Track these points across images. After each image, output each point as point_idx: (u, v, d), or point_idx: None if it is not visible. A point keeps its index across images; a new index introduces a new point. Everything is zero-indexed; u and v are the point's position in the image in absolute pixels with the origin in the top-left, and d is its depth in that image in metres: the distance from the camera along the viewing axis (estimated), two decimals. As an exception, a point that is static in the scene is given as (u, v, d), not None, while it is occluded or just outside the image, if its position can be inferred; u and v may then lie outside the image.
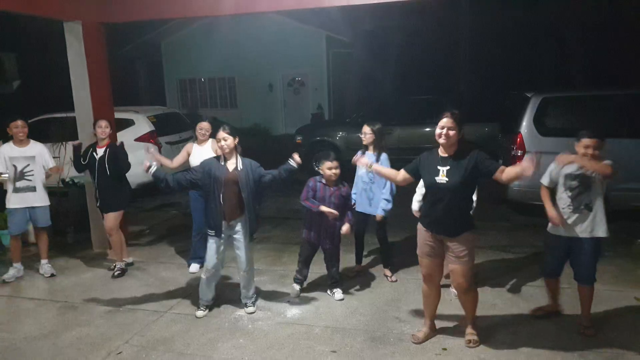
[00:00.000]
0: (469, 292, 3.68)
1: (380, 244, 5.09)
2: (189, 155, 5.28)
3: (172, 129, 9.21)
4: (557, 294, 4.15)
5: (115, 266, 5.40)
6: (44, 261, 5.46)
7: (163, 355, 3.77)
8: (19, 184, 5.20)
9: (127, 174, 5.42)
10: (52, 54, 10.07)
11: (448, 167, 3.44)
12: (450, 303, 4.42)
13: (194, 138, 5.42)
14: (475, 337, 3.75)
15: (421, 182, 4.14)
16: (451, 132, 3.41)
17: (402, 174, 3.80)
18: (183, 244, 6.26)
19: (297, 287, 4.70)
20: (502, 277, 4.92)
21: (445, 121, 3.42)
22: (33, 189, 5.24)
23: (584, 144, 3.66)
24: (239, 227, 4.23)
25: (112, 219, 5.31)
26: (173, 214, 7.99)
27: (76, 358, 3.78)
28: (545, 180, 3.97)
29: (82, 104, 5.92)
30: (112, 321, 4.36)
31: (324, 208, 4.38)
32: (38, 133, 8.83)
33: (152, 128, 8.58)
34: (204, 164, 4.20)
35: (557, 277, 4.06)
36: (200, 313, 4.38)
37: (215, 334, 4.08)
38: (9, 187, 5.20)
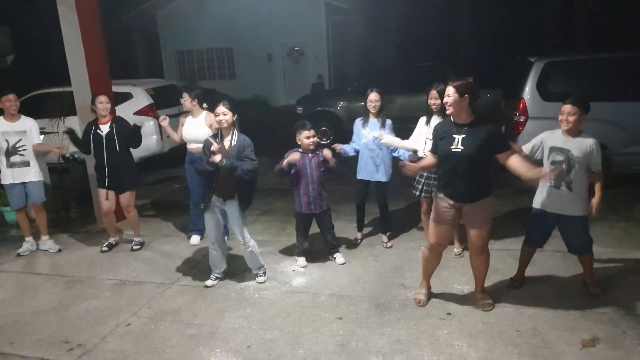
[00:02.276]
0: (483, 254, 3.73)
1: (380, 209, 5.11)
2: (182, 127, 5.25)
3: (170, 102, 9.11)
4: (527, 263, 4.11)
5: (137, 242, 5.43)
6: (44, 237, 5.48)
7: (171, 326, 3.83)
8: (13, 159, 5.16)
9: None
10: (46, 26, 9.88)
11: (464, 135, 3.46)
12: (454, 269, 4.46)
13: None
14: (489, 300, 3.80)
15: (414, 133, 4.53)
16: (450, 99, 3.43)
17: (430, 159, 3.78)
18: (186, 217, 6.26)
19: (301, 260, 4.76)
20: (504, 243, 4.95)
21: (447, 89, 3.46)
22: (27, 163, 5.20)
23: (562, 109, 3.65)
24: (231, 202, 4.21)
25: (128, 197, 5.25)
26: (175, 188, 8.00)
27: (85, 330, 3.84)
28: (527, 147, 3.89)
29: (79, 78, 5.84)
30: (119, 294, 4.42)
31: (289, 158, 4.37)
32: (34, 108, 8.82)
33: (151, 101, 8.51)
34: (206, 140, 4.21)
35: (538, 248, 4.05)
36: (209, 282, 4.44)
37: (222, 304, 4.13)
38: (3, 163, 5.17)
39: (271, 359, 3.34)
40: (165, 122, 5.31)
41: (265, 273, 4.53)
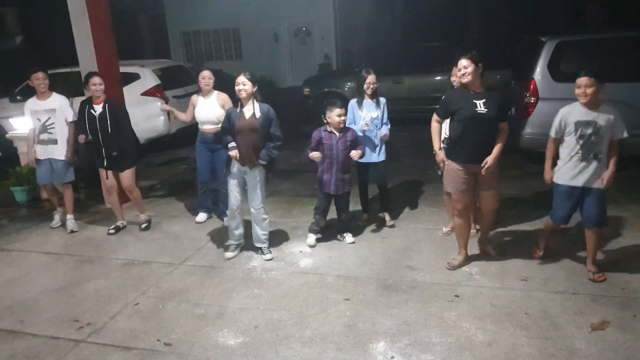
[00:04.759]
0: (493, 213, 4.14)
1: (379, 189, 5.11)
2: (194, 108, 5.21)
3: (177, 83, 9.10)
4: (549, 237, 4.19)
5: (145, 221, 5.46)
6: (69, 216, 5.51)
7: (179, 306, 3.86)
8: (42, 137, 5.27)
9: (135, 130, 5.34)
10: (53, 7, 9.82)
11: (484, 100, 3.79)
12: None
13: (199, 90, 5.32)
14: (495, 249, 4.29)
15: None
16: (468, 70, 3.76)
17: (436, 124, 4.14)
18: (194, 198, 6.27)
19: (313, 236, 4.78)
20: (513, 224, 4.91)
21: (462, 62, 3.79)
22: (55, 141, 5.27)
23: (578, 82, 3.65)
24: (254, 170, 4.35)
25: (128, 176, 5.25)
26: (183, 169, 8.00)
27: (94, 309, 3.88)
28: (552, 132, 3.84)
29: (87, 58, 5.80)
30: (128, 274, 4.45)
31: (312, 155, 4.45)
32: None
33: (158, 82, 8.48)
34: (227, 111, 4.44)
35: (564, 224, 4.03)
36: (229, 254, 4.58)
37: (230, 284, 4.14)
38: (36, 140, 5.29)
39: (279, 339, 3.36)
40: (165, 107, 5.36)
41: (270, 251, 4.58)
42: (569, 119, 3.74)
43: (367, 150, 4.82)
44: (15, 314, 3.90)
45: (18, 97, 8.89)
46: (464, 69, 3.76)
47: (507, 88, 7.83)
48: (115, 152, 5.11)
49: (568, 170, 3.79)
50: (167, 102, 8.40)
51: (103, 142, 5.12)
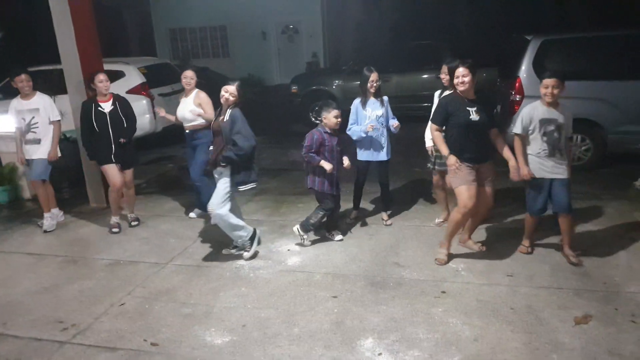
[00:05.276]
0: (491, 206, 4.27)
1: (381, 188, 5.12)
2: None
3: (163, 81, 9.00)
4: (534, 231, 4.32)
5: (135, 219, 5.49)
6: (46, 214, 5.45)
7: (166, 306, 3.83)
8: (27, 137, 5.30)
9: None
10: (34, 3, 9.68)
11: (475, 108, 3.97)
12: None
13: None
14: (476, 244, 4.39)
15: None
16: (467, 79, 3.92)
17: (437, 133, 4.13)
18: (181, 197, 6.25)
19: (307, 235, 4.72)
20: (498, 221, 4.96)
21: (461, 70, 3.93)
22: (38, 141, 5.29)
23: (545, 84, 3.88)
24: (222, 172, 4.27)
25: (131, 173, 5.40)
26: (169, 168, 7.95)
27: (79, 310, 3.83)
28: (519, 129, 4.05)
29: (69, 55, 5.71)
30: (114, 274, 4.40)
31: (324, 163, 4.42)
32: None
33: (144, 80, 8.39)
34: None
35: (542, 215, 4.22)
36: (247, 255, 4.47)
37: (217, 283, 4.12)
38: (23, 140, 5.31)
39: (266, 338, 3.35)
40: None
41: (245, 247, 4.50)
42: (534, 117, 4.00)
43: (374, 149, 4.87)
44: (-1, 315, 3.84)
45: (-2, 95, 8.75)
46: (462, 78, 3.92)
47: (494, 86, 7.90)
48: (123, 140, 5.17)
49: (538, 165, 4.03)
50: (152, 100, 8.33)
51: (114, 139, 5.14)
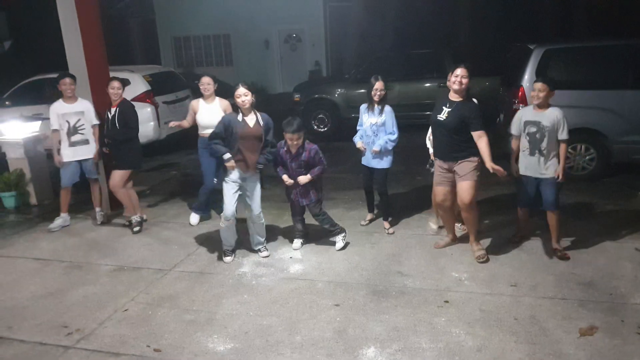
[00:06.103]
0: (470, 210, 4.27)
1: (379, 196, 5.16)
2: (195, 113, 5.25)
3: (168, 88, 9.07)
4: (526, 223, 4.66)
5: (131, 221, 5.53)
6: (97, 209, 5.81)
7: (169, 312, 3.83)
8: (73, 138, 5.51)
9: None
10: (44, 11, 9.77)
11: (450, 109, 4.12)
12: (451, 257, 4.47)
13: (190, 97, 5.37)
14: (482, 252, 4.37)
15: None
16: (464, 80, 4.06)
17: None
18: (184, 204, 6.27)
19: (298, 241, 4.88)
20: (503, 230, 4.95)
21: (460, 71, 4.07)
22: (86, 141, 5.56)
23: (534, 87, 4.19)
24: (254, 175, 4.47)
25: (117, 176, 5.41)
26: (172, 175, 7.97)
27: (83, 315, 3.84)
28: (513, 130, 4.42)
29: (76, 63, 5.79)
30: (117, 279, 4.42)
31: (284, 177, 4.62)
32: (34, 93, 8.75)
33: (149, 87, 8.45)
34: (224, 119, 4.42)
35: (529, 207, 4.53)
36: (228, 259, 4.63)
37: (219, 290, 4.13)
38: (64, 143, 5.50)
39: (269, 345, 3.35)
40: (173, 124, 5.57)
41: (267, 248, 4.74)
42: (522, 119, 4.33)
43: (368, 154, 4.97)
44: (3, 320, 3.84)
45: (7, 103, 8.82)
46: (460, 78, 4.06)
47: (496, 95, 7.92)
48: (105, 148, 5.46)
49: (523, 162, 4.36)
50: (157, 107, 8.38)
51: (112, 141, 5.41)
